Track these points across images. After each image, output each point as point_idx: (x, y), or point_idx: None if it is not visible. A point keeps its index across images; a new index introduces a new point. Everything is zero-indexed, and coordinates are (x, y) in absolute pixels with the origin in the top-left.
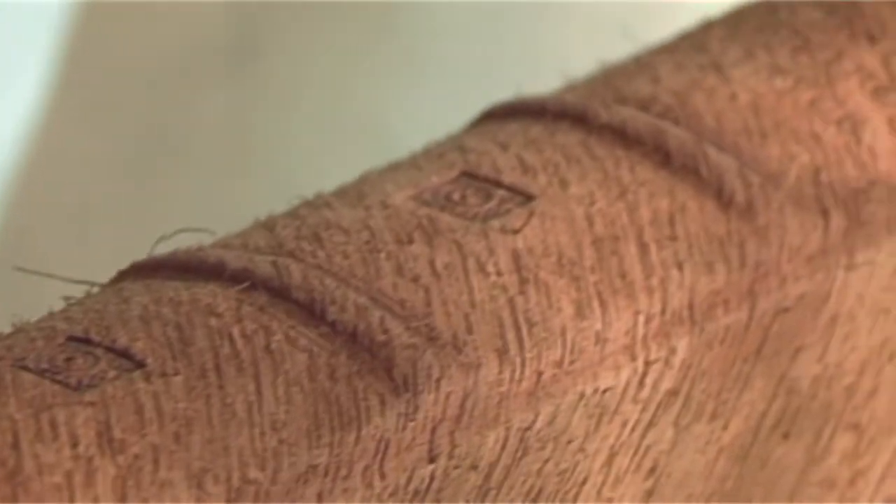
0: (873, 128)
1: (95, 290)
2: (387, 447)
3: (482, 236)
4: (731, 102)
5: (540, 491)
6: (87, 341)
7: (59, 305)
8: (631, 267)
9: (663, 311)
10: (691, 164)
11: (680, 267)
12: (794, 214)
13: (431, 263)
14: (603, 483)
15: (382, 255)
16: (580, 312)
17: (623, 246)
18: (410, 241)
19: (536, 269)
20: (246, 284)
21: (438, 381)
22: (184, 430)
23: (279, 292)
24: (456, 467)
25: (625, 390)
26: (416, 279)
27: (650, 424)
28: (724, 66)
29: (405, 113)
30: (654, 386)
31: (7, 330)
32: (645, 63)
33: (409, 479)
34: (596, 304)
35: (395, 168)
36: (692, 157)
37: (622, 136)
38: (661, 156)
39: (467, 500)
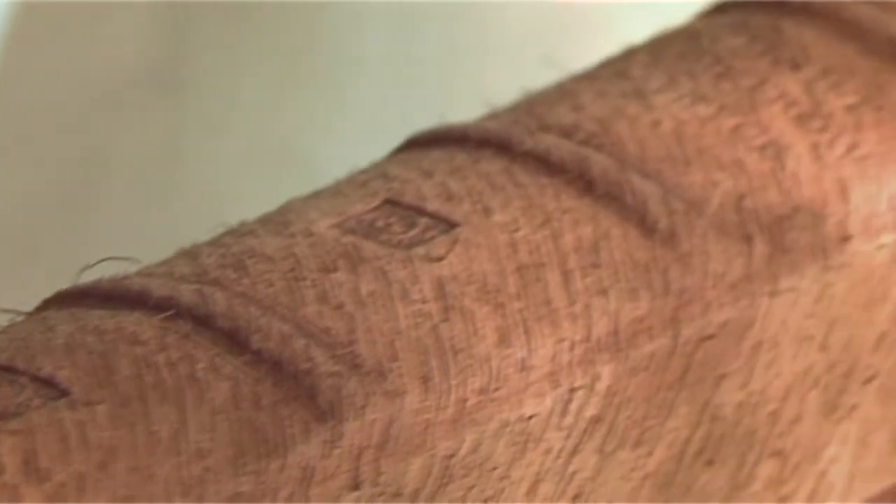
0: (796, 154)
1: (20, 318)
2: (312, 474)
3: (406, 264)
4: (653, 129)
5: None
6: (11, 370)
7: None
8: (555, 294)
9: (587, 338)
10: (615, 192)
11: (604, 294)
12: (718, 241)
13: (356, 291)
14: None
15: (307, 282)
16: (504, 340)
17: (547, 273)
18: (335, 269)
19: (460, 296)
20: (170, 312)
21: (363, 408)
22: (109, 458)
23: (204, 320)
24: (380, 494)
25: (549, 417)
26: (340, 307)
27: (575, 451)
28: (647, 93)
29: (329, 140)
30: (579, 413)
31: None
32: (567, 90)
33: None
34: (520, 331)
35: (319, 196)
36: (615, 184)
37: (546, 164)
38: (585, 183)
39: None
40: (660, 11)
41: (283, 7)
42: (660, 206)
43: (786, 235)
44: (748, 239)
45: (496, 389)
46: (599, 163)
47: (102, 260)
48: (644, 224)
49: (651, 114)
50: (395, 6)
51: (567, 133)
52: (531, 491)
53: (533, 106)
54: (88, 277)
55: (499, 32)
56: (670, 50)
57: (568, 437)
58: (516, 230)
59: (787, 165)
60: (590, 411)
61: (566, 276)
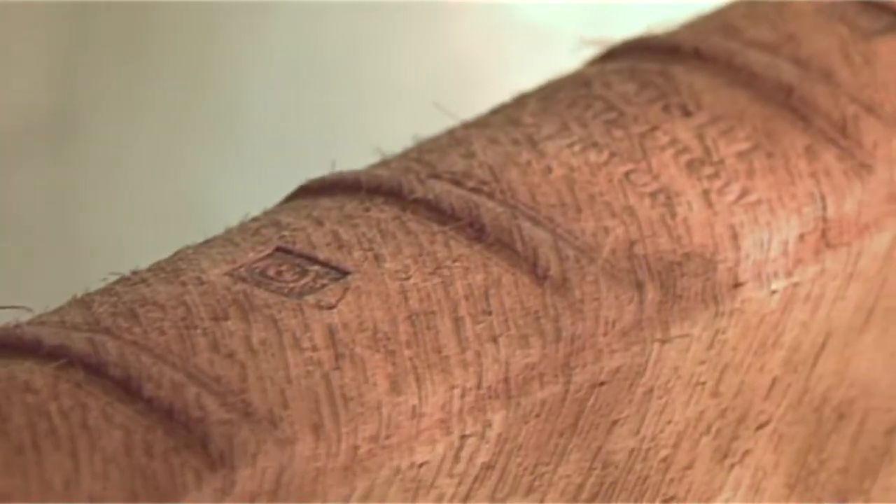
0: (687, 200)
1: None
2: None
3: (297, 312)
4: (545, 176)
5: None
6: None
7: None
8: (446, 341)
9: (478, 386)
10: (506, 239)
11: (495, 341)
12: (609, 288)
13: (247, 339)
14: None
15: (198, 331)
16: (395, 387)
17: (438, 321)
18: (226, 317)
19: (352, 344)
20: (62, 361)
21: (254, 456)
22: None
23: (96, 369)
24: None
25: (441, 464)
26: (231, 355)
27: (466, 498)
28: (538, 140)
29: (222, 188)
30: (470, 460)
31: None
32: (459, 137)
33: None
34: (411, 378)
35: (211, 244)
36: (507, 231)
37: (437, 211)
38: (476, 230)
39: None
40: (552, 60)
41: (178, 56)
42: (551, 253)
43: (677, 282)
44: (639, 286)
45: (388, 437)
46: (490, 210)
47: None
48: (535, 271)
49: (542, 161)
50: (287, 54)
51: (458, 180)
52: None
53: (424, 153)
54: None
55: (390, 80)
56: (561, 96)
57: (460, 483)
58: (407, 278)
59: (677, 212)
60: (481, 458)
61: (457, 323)
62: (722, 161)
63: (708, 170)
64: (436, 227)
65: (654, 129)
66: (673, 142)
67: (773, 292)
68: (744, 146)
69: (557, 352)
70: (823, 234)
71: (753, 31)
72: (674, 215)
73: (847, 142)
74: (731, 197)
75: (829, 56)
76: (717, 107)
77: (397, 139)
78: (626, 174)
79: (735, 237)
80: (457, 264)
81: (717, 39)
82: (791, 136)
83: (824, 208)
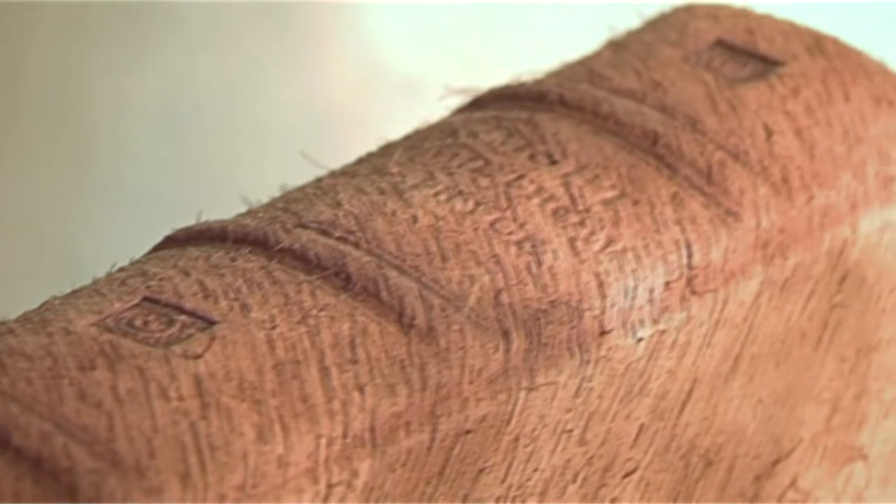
0: (553, 249)
1: None
2: None
3: (164, 362)
4: (410, 226)
5: None
6: None
7: None
8: (312, 391)
9: (345, 435)
10: (372, 288)
11: (361, 390)
12: (475, 336)
13: (114, 389)
14: None
15: (65, 381)
16: (262, 436)
17: (304, 370)
18: (93, 367)
19: (218, 393)
20: None
21: None
22: None
23: None
24: None
25: None
26: (98, 405)
27: None
28: (404, 189)
29: (89, 238)
30: None
31: None
32: (325, 187)
33: None
34: (278, 428)
35: (78, 294)
36: (372, 280)
37: (303, 260)
38: (342, 279)
39: None
40: (419, 108)
41: (46, 102)
42: (416, 302)
43: (543, 330)
44: (505, 334)
45: (254, 486)
46: (356, 259)
47: None
48: (401, 320)
49: (408, 210)
50: (156, 101)
51: (324, 230)
52: None
53: (291, 202)
54: None
55: (259, 128)
56: (427, 146)
57: None
58: (273, 327)
59: (543, 260)
60: None
61: (323, 372)
62: (588, 209)
63: (574, 218)
64: (302, 277)
65: (521, 177)
66: (539, 190)
67: (640, 340)
68: (609, 194)
69: (423, 400)
70: (689, 281)
71: (619, 79)
72: (540, 264)
73: (713, 189)
74: (596, 245)
75: (695, 104)
76: (582, 155)
77: (265, 188)
78: (492, 223)
79: (601, 285)
80: (323, 313)
81: (583, 87)
82: (657, 183)
83: (690, 256)
